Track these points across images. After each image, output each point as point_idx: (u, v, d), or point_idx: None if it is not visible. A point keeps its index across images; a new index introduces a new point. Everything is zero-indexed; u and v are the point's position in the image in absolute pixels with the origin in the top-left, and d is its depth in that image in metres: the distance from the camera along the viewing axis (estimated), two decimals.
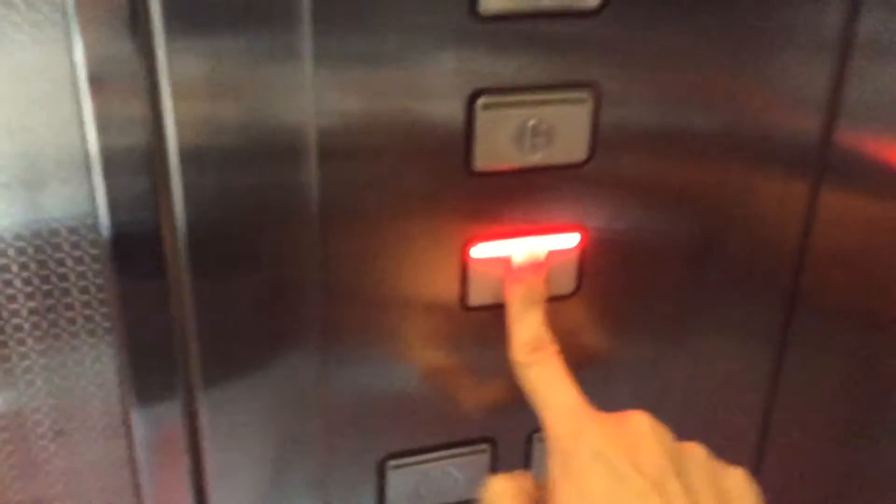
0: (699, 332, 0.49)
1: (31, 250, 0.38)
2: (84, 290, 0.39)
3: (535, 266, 0.43)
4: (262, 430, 0.44)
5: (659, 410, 0.47)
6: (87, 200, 0.38)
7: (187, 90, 0.36)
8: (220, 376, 0.42)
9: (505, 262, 0.43)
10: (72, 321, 0.40)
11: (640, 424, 0.40)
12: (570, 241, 0.44)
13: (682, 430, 0.47)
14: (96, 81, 0.35)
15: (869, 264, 0.50)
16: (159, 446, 0.43)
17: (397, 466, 0.47)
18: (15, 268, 0.38)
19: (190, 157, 0.37)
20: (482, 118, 0.39)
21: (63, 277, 0.39)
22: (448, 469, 0.47)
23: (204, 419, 0.43)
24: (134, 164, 0.37)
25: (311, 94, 0.37)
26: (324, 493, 0.47)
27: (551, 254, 0.43)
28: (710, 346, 0.50)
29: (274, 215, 0.39)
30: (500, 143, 0.40)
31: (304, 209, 0.40)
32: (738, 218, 0.47)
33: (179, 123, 0.37)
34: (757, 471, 0.55)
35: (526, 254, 0.43)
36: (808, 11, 0.42)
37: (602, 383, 0.48)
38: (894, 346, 0.52)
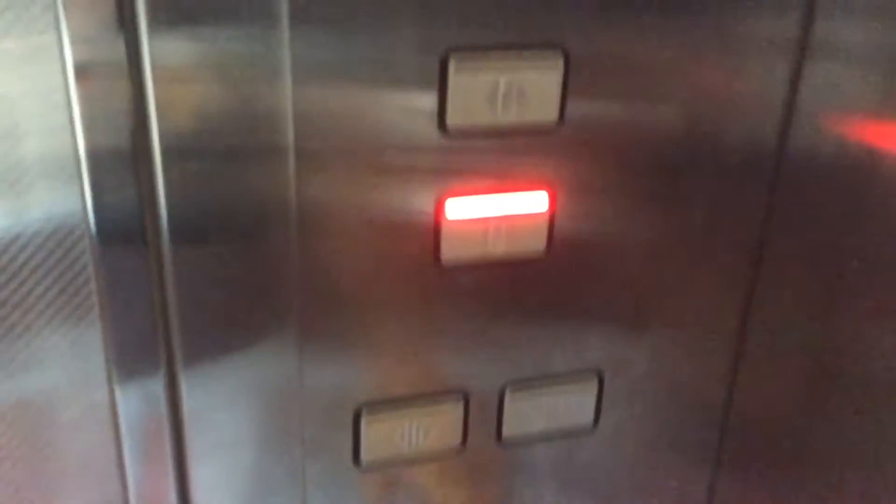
0: (660, 316, 0.51)
1: (12, 239, 0.38)
2: (65, 280, 0.40)
3: None
4: (243, 408, 0.45)
5: (622, 380, 0.49)
6: (73, 192, 0.38)
7: (170, 80, 0.37)
8: (201, 362, 0.43)
9: None
10: (53, 309, 0.40)
11: None
12: (541, 201, 0.45)
13: (648, 400, 0.48)
14: (82, 75, 0.36)
15: (825, 260, 0.51)
16: (143, 427, 0.44)
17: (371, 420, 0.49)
18: None
19: (172, 150, 0.38)
20: (455, 79, 0.41)
21: (41, 267, 0.39)
22: (422, 420, 0.49)
23: (185, 400, 0.44)
24: (118, 157, 0.38)
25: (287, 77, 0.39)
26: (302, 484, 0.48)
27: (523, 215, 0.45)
28: (673, 324, 0.51)
29: (253, 188, 0.40)
30: (473, 102, 0.42)
31: (281, 174, 0.41)
32: (700, 206, 0.48)
33: (162, 117, 0.37)
34: (718, 464, 0.56)
35: None
36: (766, 17, 0.44)
37: (569, 350, 0.50)
38: (852, 343, 0.53)
